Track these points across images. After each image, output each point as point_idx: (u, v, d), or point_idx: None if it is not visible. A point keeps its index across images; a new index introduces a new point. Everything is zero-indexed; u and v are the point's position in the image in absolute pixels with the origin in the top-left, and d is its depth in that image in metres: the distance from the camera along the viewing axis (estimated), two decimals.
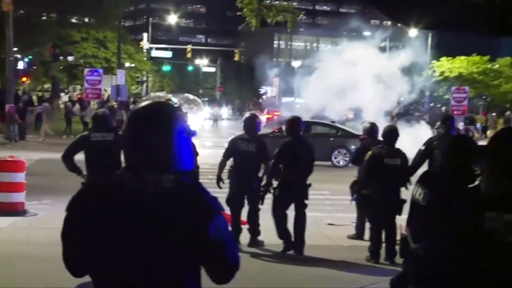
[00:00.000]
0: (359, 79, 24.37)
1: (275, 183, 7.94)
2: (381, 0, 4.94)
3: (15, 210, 9.58)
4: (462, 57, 46.87)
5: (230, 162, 8.37)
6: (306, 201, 7.94)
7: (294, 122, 8.09)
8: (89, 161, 7.17)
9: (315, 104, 26.09)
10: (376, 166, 7.56)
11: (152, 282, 2.03)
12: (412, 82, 30.35)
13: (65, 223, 2.14)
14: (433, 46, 43.79)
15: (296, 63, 58.99)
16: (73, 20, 39.75)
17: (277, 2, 8.50)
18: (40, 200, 11.25)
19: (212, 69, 74.20)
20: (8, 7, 23.54)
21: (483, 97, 44.82)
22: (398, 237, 7.49)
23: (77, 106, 31.44)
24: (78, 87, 49.50)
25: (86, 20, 39.96)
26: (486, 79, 46.06)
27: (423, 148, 8.45)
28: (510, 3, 4.13)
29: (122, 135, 2.23)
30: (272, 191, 7.93)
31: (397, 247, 7.32)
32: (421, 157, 8.42)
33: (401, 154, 7.80)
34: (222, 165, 8.30)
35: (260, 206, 8.18)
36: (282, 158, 7.79)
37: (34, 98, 37.84)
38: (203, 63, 73.21)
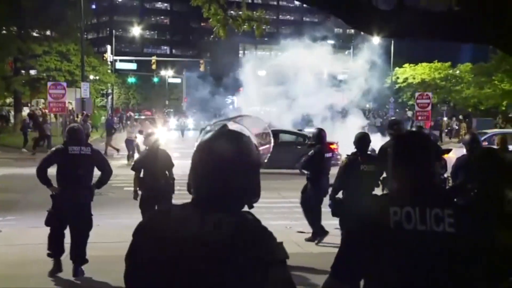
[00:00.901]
0: (317, 85, 24.75)
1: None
2: (341, 9, 5.02)
3: None
4: (424, 64, 47.82)
5: None
6: None
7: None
8: (63, 173, 7.15)
9: (275, 112, 26.41)
10: (353, 173, 7.63)
11: None
12: (374, 88, 30.90)
13: (130, 246, 2.10)
14: (396, 53, 44.54)
15: (261, 73, 59.27)
16: (34, 34, 39.15)
17: (241, 12, 8.47)
18: (4, 217, 11.00)
19: (178, 80, 73.95)
20: None
21: (446, 102, 45.69)
22: None
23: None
24: (42, 100, 48.77)
25: (48, 33, 39.41)
26: (448, 84, 47.03)
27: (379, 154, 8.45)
28: (469, 11, 4.25)
29: (192, 167, 2.08)
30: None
31: None
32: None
33: (374, 160, 7.91)
34: None
35: None
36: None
37: None
38: (169, 74, 72.90)
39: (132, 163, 9.13)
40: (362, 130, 9.15)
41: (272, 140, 2.30)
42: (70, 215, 7.12)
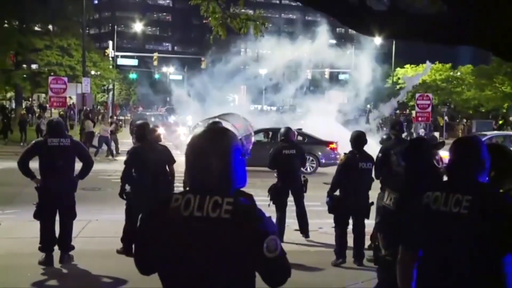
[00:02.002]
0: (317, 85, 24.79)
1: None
2: (336, 11, 5.08)
3: None
4: (425, 65, 47.78)
5: None
6: None
7: (142, 128, 8.16)
8: (45, 165, 7.34)
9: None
10: (351, 170, 7.72)
11: None
12: (375, 88, 30.92)
13: (137, 233, 2.46)
14: (397, 54, 44.52)
15: (263, 71, 59.21)
16: (36, 28, 39.18)
17: (242, 10, 8.49)
18: (4, 210, 11.08)
19: (179, 77, 73.93)
20: None
21: (447, 104, 45.67)
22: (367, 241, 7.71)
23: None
24: (43, 95, 48.81)
25: (49, 27, 39.45)
26: (449, 86, 47.02)
27: (380, 155, 8.31)
28: (460, 14, 4.31)
29: (186, 159, 2.41)
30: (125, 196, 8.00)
31: (367, 251, 7.52)
32: (380, 164, 8.20)
33: (371, 158, 8.01)
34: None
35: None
36: (132, 164, 7.85)
37: None
38: (170, 71, 72.88)
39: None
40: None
41: (253, 134, 2.63)
42: (54, 205, 7.32)
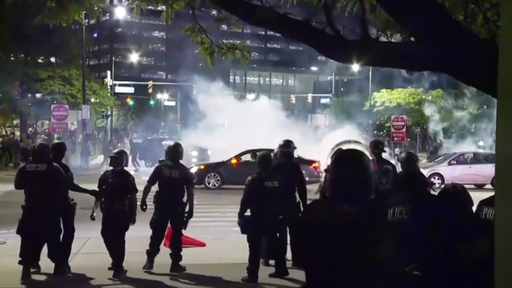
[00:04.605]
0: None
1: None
2: (318, 44, 5.17)
3: None
4: (400, 89, 48.21)
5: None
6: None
7: (57, 148, 8.10)
8: (25, 190, 7.35)
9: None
10: (257, 189, 7.44)
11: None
12: (354, 111, 31.13)
13: (298, 227, 3.11)
14: (374, 79, 44.93)
15: (250, 96, 59.57)
16: (40, 60, 39.26)
17: (230, 41, 8.57)
18: (9, 230, 10.95)
19: (173, 103, 74.02)
20: None
21: (420, 124, 46.00)
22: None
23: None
24: (46, 122, 48.55)
25: (52, 59, 39.54)
26: (421, 108, 47.40)
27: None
28: (424, 46, 4.42)
29: (332, 172, 2.73)
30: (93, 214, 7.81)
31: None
32: None
33: (278, 177, 7.61)
34: (146, 190, 8.14)
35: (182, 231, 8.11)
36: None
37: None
38: (164, 97, 72.99)
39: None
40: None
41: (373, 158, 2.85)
42: (35, 225, 7.25)
